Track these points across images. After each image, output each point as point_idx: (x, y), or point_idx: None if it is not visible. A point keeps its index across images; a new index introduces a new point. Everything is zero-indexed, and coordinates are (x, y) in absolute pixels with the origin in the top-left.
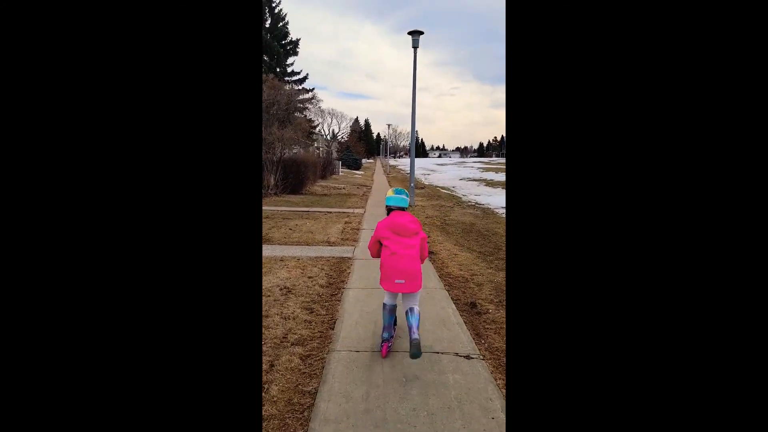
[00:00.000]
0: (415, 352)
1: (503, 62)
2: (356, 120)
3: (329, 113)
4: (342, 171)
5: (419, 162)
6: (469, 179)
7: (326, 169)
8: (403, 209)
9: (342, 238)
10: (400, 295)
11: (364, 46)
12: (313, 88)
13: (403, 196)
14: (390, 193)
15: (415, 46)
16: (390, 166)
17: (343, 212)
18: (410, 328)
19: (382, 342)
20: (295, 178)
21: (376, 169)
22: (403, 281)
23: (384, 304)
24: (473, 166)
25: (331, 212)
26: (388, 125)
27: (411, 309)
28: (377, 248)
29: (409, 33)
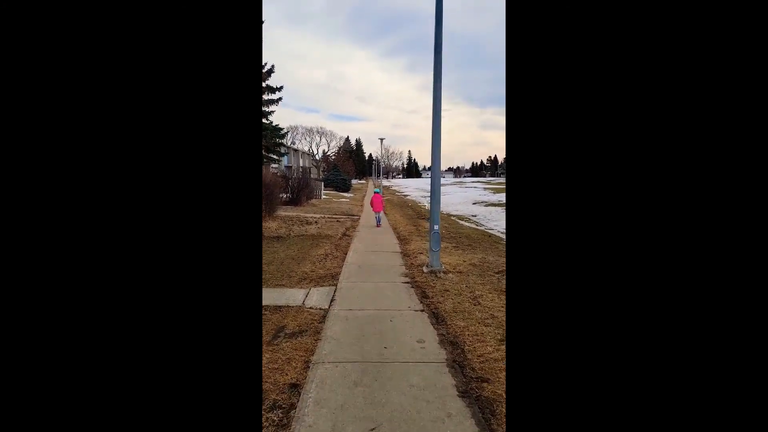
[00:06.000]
0: (378, 225)
1: (491, 85)
2: (347, 139)
3: (318, 132)
4: (326, 193)
5: (414, 182)
6: (486, 203)
7: (300, 193)
8: (378, 193)
9: None
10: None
11: (354, 70)
12: (281, 87)
13: (378, 191)
14: (374, 188)
15: None
16: (383, 186)
17: (278, 308)
18: (379, 220)
19: (376, 225)
20: None
21: (368, 190)
22: (377, 210)
23: (375, 216)
24: (477, 187)
25: None
26: (381, 140)
27: (378, 216)
28: (370, 202)
29: None
